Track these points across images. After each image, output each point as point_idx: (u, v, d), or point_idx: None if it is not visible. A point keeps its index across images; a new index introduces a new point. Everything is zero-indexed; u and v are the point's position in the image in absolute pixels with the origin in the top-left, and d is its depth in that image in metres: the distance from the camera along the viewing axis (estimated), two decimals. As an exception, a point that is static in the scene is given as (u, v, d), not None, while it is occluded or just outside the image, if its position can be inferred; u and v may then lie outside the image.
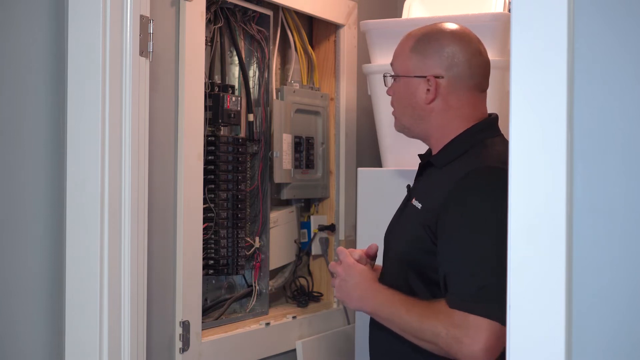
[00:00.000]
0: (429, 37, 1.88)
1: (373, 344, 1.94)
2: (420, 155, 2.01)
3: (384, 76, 1.98)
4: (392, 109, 1.96)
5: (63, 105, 1.77)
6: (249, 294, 2.48)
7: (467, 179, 1.74)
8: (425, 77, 1.85)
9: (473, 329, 1.63)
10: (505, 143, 1.85)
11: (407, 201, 1.94)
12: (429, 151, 1.97)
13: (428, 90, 1.85)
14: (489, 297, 1.61)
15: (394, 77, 1.92)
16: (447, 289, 1.72)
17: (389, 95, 1.96)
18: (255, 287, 2.49)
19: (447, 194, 1.74)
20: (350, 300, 1.85)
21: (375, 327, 1.89)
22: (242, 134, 2.46)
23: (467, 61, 1.86)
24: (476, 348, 1.61)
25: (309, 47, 2.75)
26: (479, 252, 1.66)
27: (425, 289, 1.78)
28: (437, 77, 1.85)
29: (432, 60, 1.86)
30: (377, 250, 1.95)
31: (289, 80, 2.66)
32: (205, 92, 2.20)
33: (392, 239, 1.94)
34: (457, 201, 1.73)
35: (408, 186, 1.98)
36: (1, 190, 1.83)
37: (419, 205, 1.82)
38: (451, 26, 1.91)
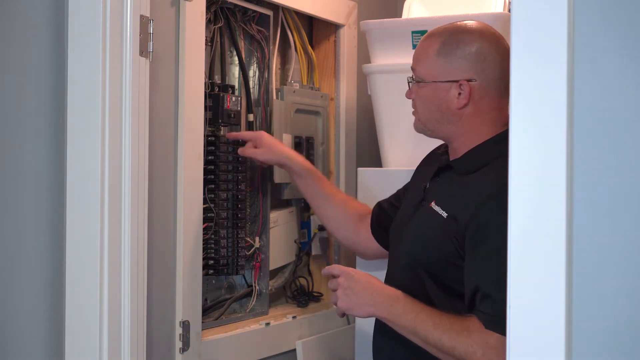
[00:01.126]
0: (456, 38, 1.81)
1: (379, 349, 1.92)
2: (436, 154, 1.96)
3: (408, 82, 1.89)
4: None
5: (63, 106, 1.77)
6: (249, 294, 2.48)
7: (501, 197, 1.67)
8: (457, 81, 1.79)
9: None
10: None
11: (421, 200, 1.89)
12: (445, 149, 1.92)
13: (459, 94, 1.79)
14: None
15: (420, 82, 1.84)
16: (472, 304, 1.69)
17: (409, 98, 1.88)
18: (255, 287, 2.48)
19: (478, 209, 1.69)
20: (360, 306, 1.80)
21: (382, 331, 1.87)
22: (242, 134, 2.46)
23: (499, 62, 1.80)
24: None
25: (309, 47, 2.75)
26: None
27: (445, 297, 1.75)
28: (469, 80, 1.78)
29: (462, 63, 1.79)
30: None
31: (289, 80, 2.66)
32: (205, 92, 2.20)
33: (404, 240, 1.89)
34: (491, 219, 1.67)
35: (424, 187, 1.92)
36: (1, 193, 1.83)
37: (443, 213, 1.77)
38: (476, 25, 1.84)
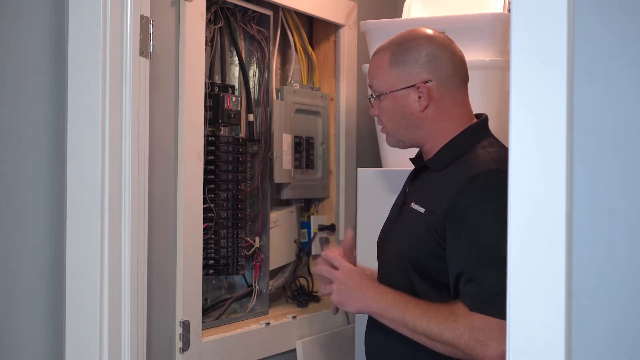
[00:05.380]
0: (404, 46, 1.87)
1: (373, 345, 1.93)
2: (412, 160, 2.00)
3: (369, 99, 1.94)
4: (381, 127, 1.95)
5: (63, 106, 1.77)
6: (249, 294, 2.48)
7: (475, 183, 1.74)
8: (414, 85, 1.84)
9: (497, 332, 1.62)
10: (498, 144, 1.86)
11: (402, 205, 1.93)
12: (420, 154, 1.97)
13: (419, 97, 1.84)
14: None
15: (380, 96, 1.89)
16: (457, 290, 1.72)
17: (374, 115, 1.94)
18: (255, 287, 2.49)
19: (453, 198, 1.74)
20: (351, 302, 1.82)
21: (376, 328, 1.88)
22: (242, 134, 2.46)
23: (449, 59, 1.86)
24: (502, 350, 1.59)
25: (309, 47, 2.75)
26: (496, 253, 1.64)
27: (432, 291, 1.77)
28: (425, 82, 1.83)
29: (415, 67, 1.84)
30: (352, 238, 1.95)
31: (289, 80, 2.66)
32: (205, 92, 2.20)
33: (390, 243, 1.92)
34: (468, 205, 1.72)
35: (404, 191, 1.96)
36: (2, 192, 1.83)
37: (421, 210, 1.81)
38: (421, 30, 1.90)
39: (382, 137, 2.51)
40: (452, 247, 1.73)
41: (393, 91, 1.86)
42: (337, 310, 1.90)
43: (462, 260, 1.71)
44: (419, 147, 1.94)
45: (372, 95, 1.93)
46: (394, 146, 1.95)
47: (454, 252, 1.73)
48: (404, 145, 1.93)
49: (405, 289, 1.80)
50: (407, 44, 1.87)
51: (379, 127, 2.48)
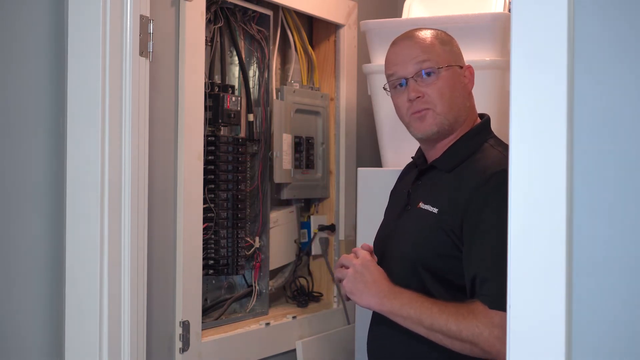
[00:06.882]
0: (440, 32, 1.90)
1: (381, 341, 1.92)
2: (415, 159, 1.99)
3: (425, 71, 1.82)
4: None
5: (63, 105, 1.77)
6: (249, 294, 2.48)
7: (490, 183, 1.73)
8: (462, 67, 1.87)
9: None
10: (503, 144, 1.86)
11: (405, 205, 1.91)
12: (421, 153, 1.95)
13: (465, 77, 1.87)
14: None
15: (440, 69, 1.80)
16: (474, 290, 1.71)
17: (418, 96, 1.82)
18: (255, 287, 2.49)
19: (469, 199, 1.73)
20: (363, 295, 1.80)
21: (384, 324, 1.87)
22: (242, 134, 2.46)
23: None
24: None
25: (309, 47, 2.75)
26: None
27: (446, 292, 1.77)
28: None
29: (457, 51, 1.89)
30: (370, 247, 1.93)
31: (289, 80, 2.66)
32: (205, 92, 2.20)
33: (394, 244, 1.90)
34: (484, 205, 1.72)
35: (407, 192, 1.93)
36: (2, 192, 1.83)
37: (433, 210, 1.79)
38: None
39: (382, 137, 2.51)
40: (468, 249, 1.73)
41: (451, 65, 1.83)
42: (347, 298, 1.87)
43: (477, 262, 1.71)
44: (448, 135, 1.86)
45: (429, 69, 1.82)
46: (437, 129, 1.83)
47: (469, 255, 1.72)
48: (443, 129, 1.83)
49: (419, 289, 1.78)
50: (440, 32, 1.89)
51: (380, 126, 2.50)
